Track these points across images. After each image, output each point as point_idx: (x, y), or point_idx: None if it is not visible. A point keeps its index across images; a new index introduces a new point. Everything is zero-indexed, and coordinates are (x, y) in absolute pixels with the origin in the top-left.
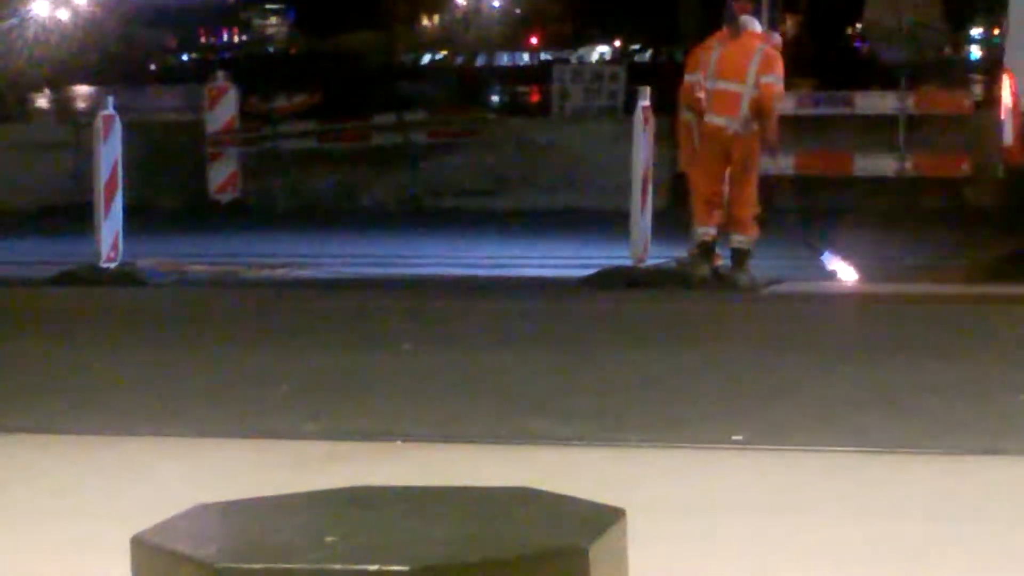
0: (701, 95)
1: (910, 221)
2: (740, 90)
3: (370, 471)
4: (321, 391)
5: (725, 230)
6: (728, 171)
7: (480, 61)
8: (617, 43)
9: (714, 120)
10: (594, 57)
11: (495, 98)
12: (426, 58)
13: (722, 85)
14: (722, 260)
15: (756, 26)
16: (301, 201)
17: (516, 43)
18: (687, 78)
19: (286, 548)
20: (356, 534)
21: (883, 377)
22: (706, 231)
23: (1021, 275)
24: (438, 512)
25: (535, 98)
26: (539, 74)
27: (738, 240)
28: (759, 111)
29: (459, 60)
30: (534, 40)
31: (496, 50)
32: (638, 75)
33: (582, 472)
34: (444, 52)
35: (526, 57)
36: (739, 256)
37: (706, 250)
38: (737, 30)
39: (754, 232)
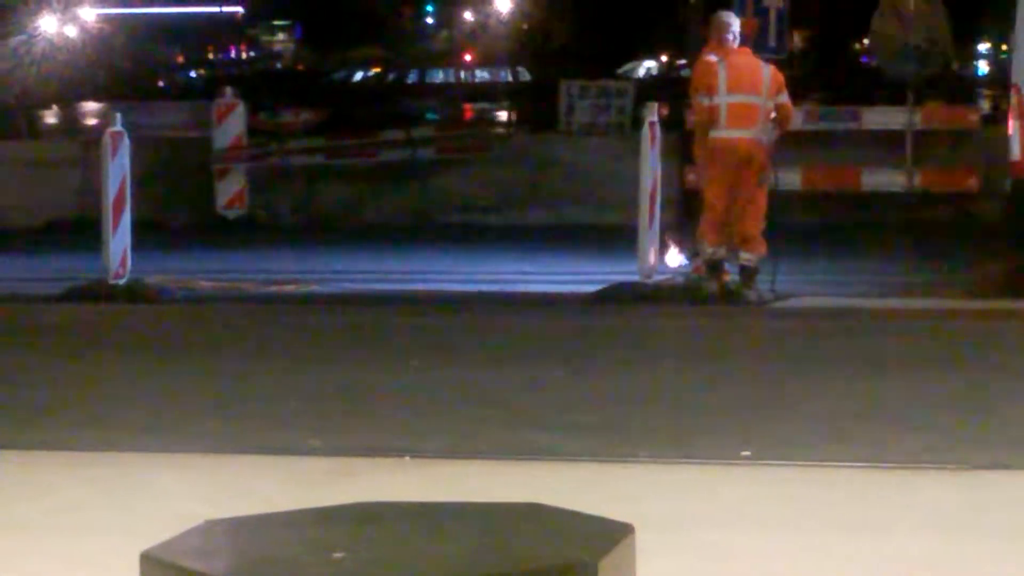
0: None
1: (918, 236)
2: (757, 102)
3: (378, 487)
4: (329, 407)
5: (733, 247)
6: (738, 187)
7: (412, 77)
8: (664, 58)
9: (731, 134)
10: (640, 72)
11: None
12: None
13: (739, 99)
14: (730, 276)
15: (736, 24)
16: (308, 217)
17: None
18: (709, 100)
19: (294, 564)
20: (364, 550)
21: (891, 392)
22: (716, 249)
23: None
24: (446, 528)
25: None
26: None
27: (746, 257)
28: (774, 125)
29: (391, 76)
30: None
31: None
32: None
33: (590, 487)
34: (377, 69)
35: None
36: (747, 273)
37: (715, 266)
38: (732, 41)
39: (762, 249)
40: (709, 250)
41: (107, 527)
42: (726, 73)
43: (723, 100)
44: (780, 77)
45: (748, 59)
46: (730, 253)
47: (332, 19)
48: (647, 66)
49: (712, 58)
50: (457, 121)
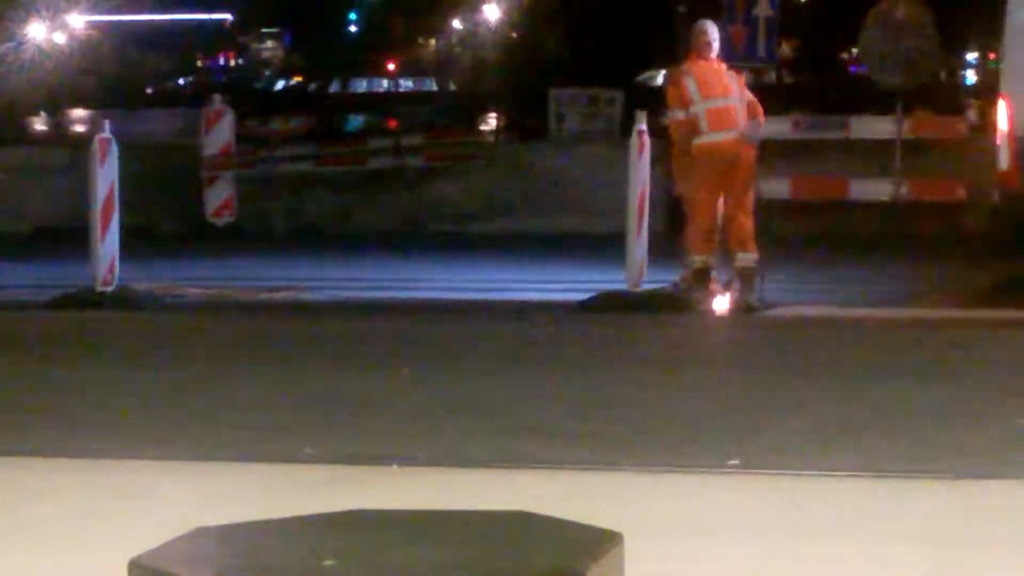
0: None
1: (906, 245)
2: (736, 103)
3: (368, 495)
4: (320, 415)
5: (722, 254)
6: (728, 189)
7: (334, 87)
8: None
9: (715, 137)
10: (659, 80)
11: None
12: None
13: (716, 103)
14: (718, 283)
15: (713, 32)
16: (298, 224)
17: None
18: (684, 113)
19: (284, 572)
20: (354, 558)
21: (882, 400)
22: (704, 259)
23: (1017, 300)
24: (436, 536)
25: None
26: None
27: (743, 258)
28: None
29: (312, 87)
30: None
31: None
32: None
33: (579, 496)
34: (299, 78)
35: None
36: (746, 275)
37: (703, 275)
38: (710, 50)
39: (755, 249)
40: (697, 259)
41: (96, 534)
42: (695, 83)
43: (700, 107)
44: (741, 78)
45: (712, 65)
46: (718, 261)
47: (320, 27)
48: (665, 74)
49: (683, 69)
50: (447, 129)
